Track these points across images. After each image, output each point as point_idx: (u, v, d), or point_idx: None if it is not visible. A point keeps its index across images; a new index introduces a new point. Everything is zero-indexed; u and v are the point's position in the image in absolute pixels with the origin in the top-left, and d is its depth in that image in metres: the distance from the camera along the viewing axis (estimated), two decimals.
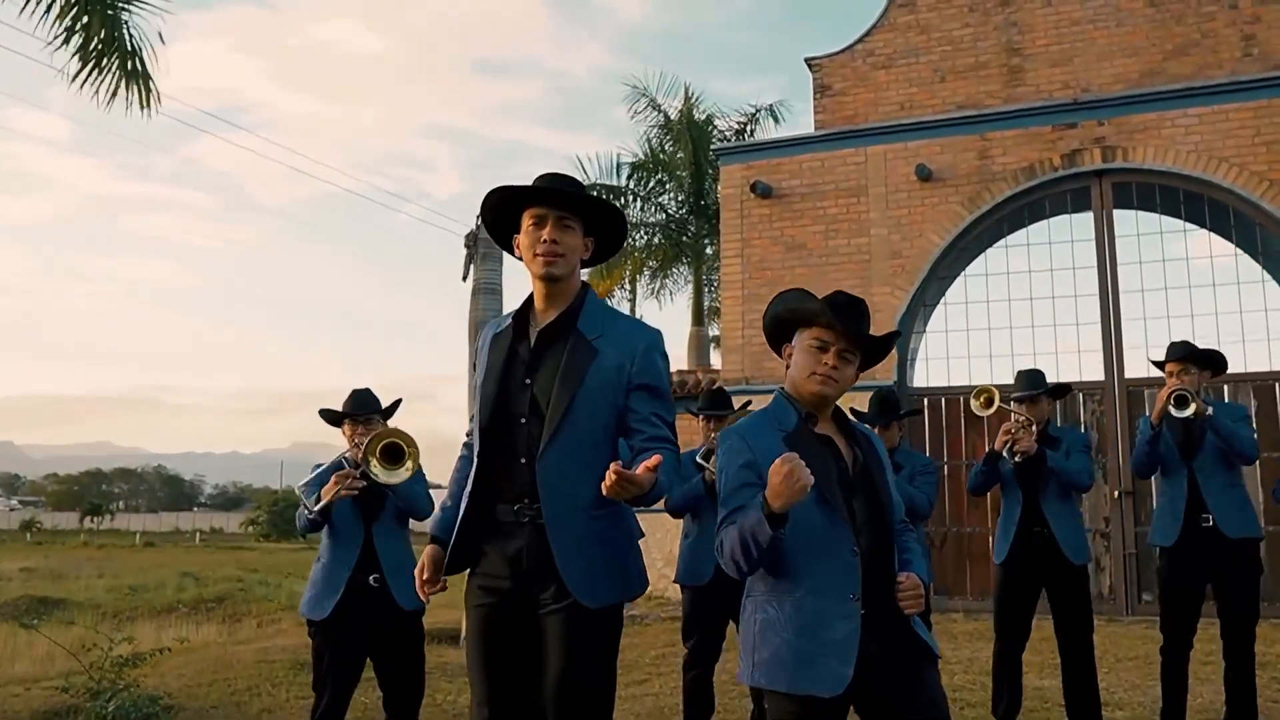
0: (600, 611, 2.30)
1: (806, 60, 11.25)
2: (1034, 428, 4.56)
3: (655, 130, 16.82)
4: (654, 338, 2.46)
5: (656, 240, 16.83)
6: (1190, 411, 4.22)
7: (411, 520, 4.13)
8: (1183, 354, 4.44)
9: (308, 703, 5.58)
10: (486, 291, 9.17)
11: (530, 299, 2.50)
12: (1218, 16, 9.86)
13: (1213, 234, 9.92)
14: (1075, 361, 9.42)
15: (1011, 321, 9.90)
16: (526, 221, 2.42)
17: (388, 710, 4.06)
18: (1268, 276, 9.83)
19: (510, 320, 2.50)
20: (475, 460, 2.41)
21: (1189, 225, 9.94)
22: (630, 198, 16.92)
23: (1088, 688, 4.39)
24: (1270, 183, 9.04)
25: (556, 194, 2.39)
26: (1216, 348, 4.65)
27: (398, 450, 3.72)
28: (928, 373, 10.37)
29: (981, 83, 10.44)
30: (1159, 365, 4.59)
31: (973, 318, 10.09)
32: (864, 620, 2.22)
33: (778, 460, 2.10)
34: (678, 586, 4.74)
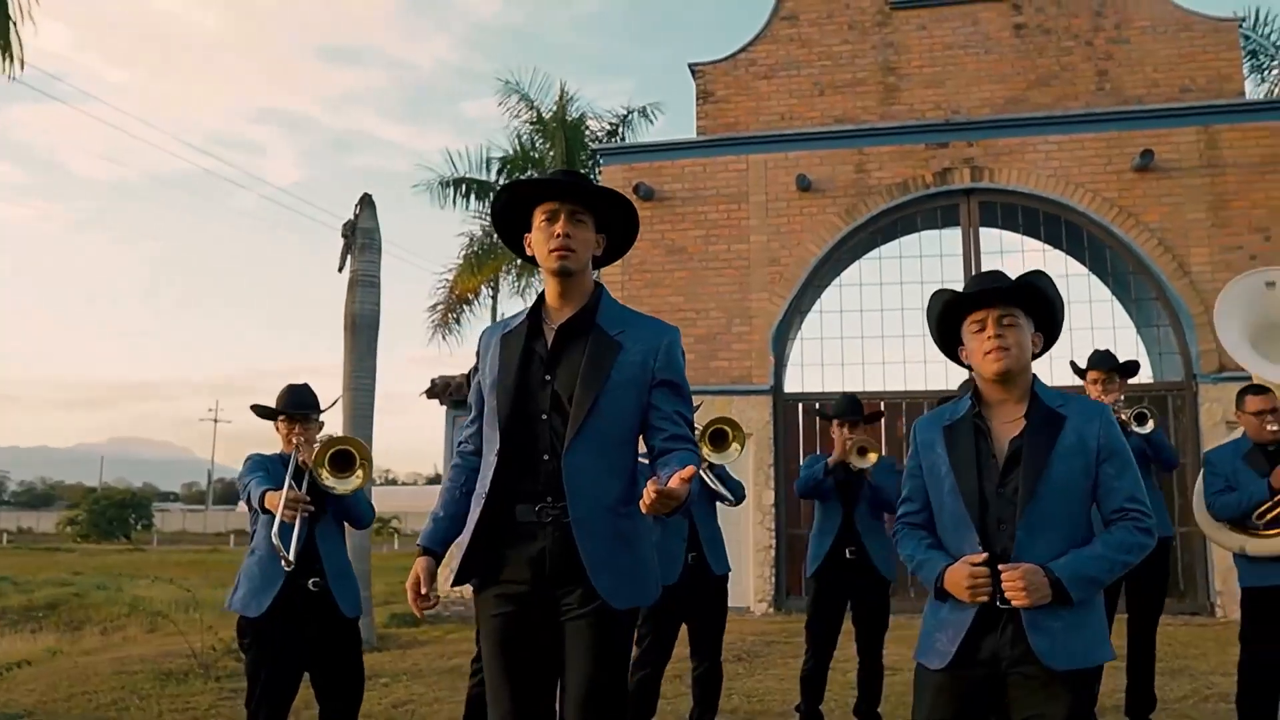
0: (623, 614, 2.23)
1: (690, 66, 11.34)
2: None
3: (527, 126, 16.64)
4: (675, 334, 2.40)
5: None
6: (1149, 427, 4.46)
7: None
8: (1110, 364, 4.65)
9: (185, 716, 5.23)
10: (365, 284, 8.79)
11: (541, 297, 2.44)
12: (1075, 52, 10.49)
13: (1069, 256, 10.56)
14: (942, 372, 9.77)
15: (883, 330, 10.28)
16: (539, 218, 2.35)
17: None
18: (1114, 297, 10.51)
19: (524, 318, 2.40)
20: (494, 461, 2.28)
21: (1047, 246, 10.53)
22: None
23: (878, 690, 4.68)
24: (1120, 209, 9.67)
25: (569, 187, 2.34)
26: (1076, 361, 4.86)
27: (348, 458, 3.62)
28: (802, 378, 10.63)
29: (859, 99, 10.77)
30: (1080, 374, 4.79)
31: (846, 326, 10.40)
32: (986, 614, 2.24)
33: (965, 570, 2.24)
34: None
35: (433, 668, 6.82)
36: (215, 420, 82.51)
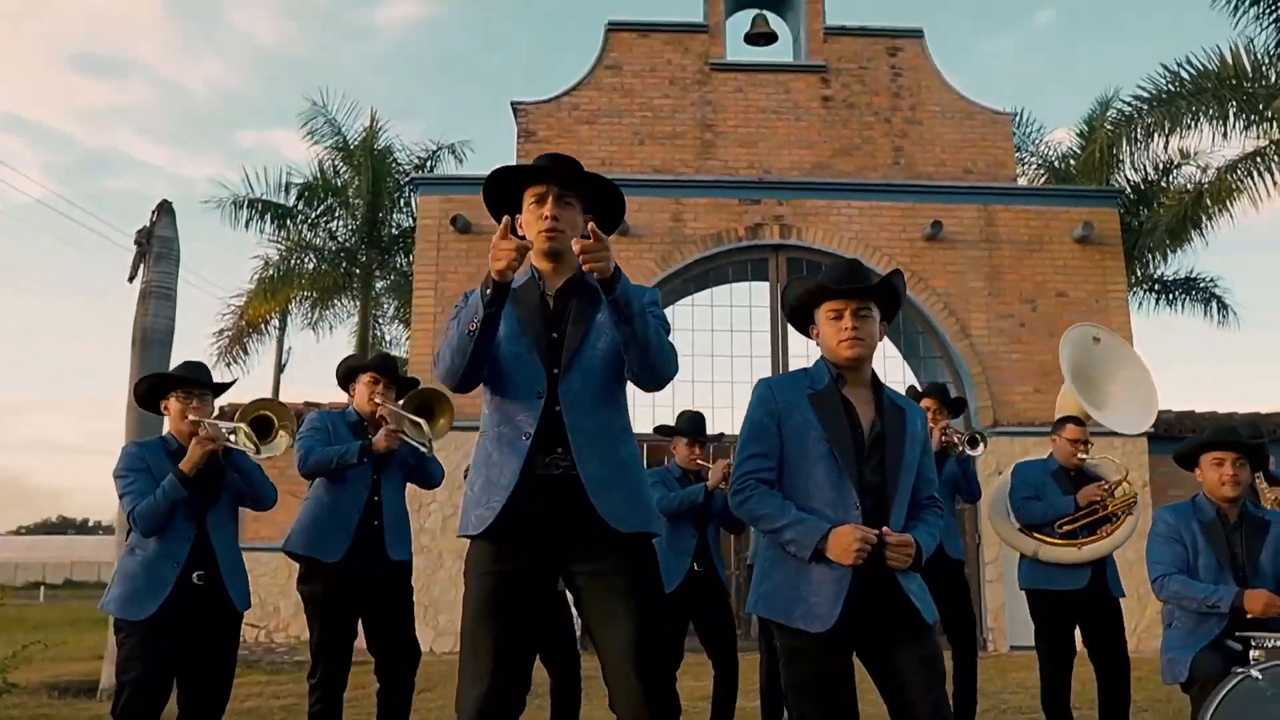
0: (642, 559, 2.33)
1: (513, 104, 11.39)
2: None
3: (331, 152, 16.12)
4: (656, 294, 2.55)
5: (324, 268, 16.02)
6: (979, 451, 4.88)
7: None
8: (944, 397, 5.04)
9: None
10: (159, 296, 8.16)
11: (533, 272, 2.53)
12: (875, 127, 11.31)
13: None
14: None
15: (693, 376, 10.54)
16: (528, 200, 2.47)
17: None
18: (902, 354, 11.28)
19: (522, 283, 2.49)
20: (517, 423, 2.34)
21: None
22: (298, 220, 16.04)
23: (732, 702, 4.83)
24: (912, 273, 10.42)
25: (555, 171, 2.45)
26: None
27: (267, 423, 3.43)
28: None
29: (678, 151, 11.14)
30: (915, 399, 5.12)
31: None
32: (855, 576, 2.38)
33: (857, 534, 2.35)
34: None
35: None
36: None
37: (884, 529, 2.43)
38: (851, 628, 2.40)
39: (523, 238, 2.33)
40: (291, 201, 15.97)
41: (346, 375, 4.10)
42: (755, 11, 12.01)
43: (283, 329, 18.86)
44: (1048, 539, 4.53)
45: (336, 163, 16.42)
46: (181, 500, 3.40)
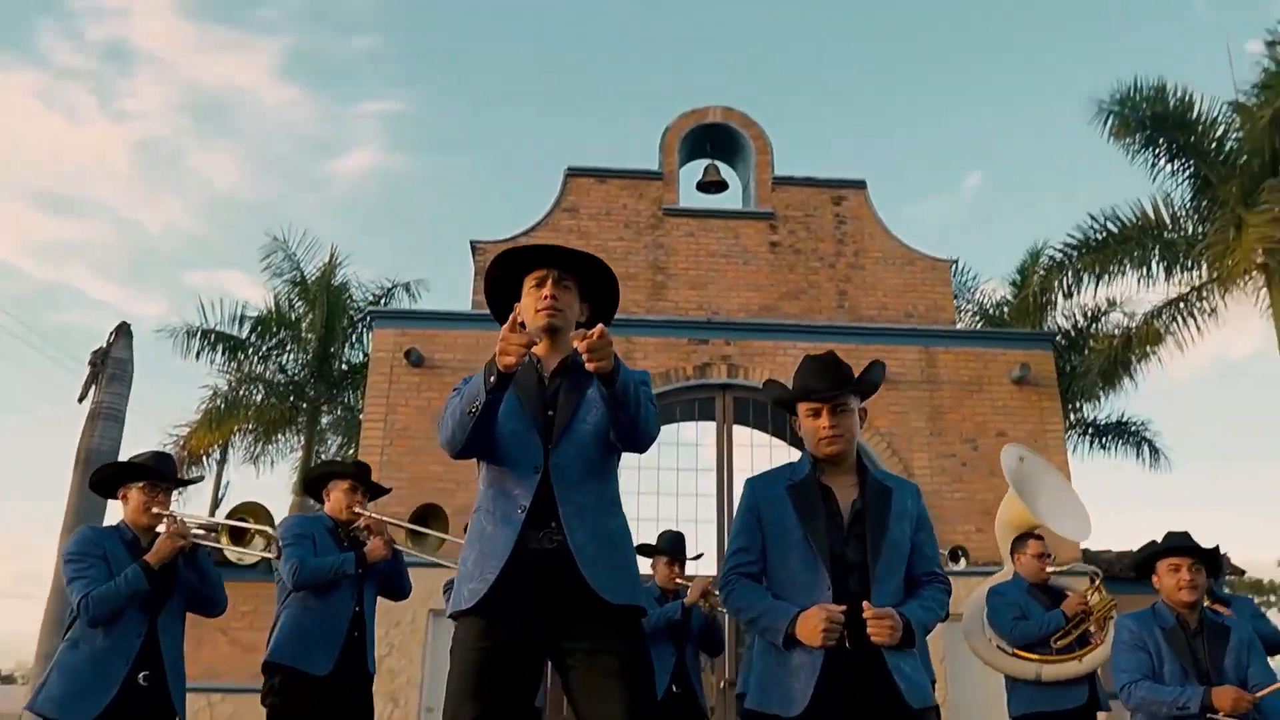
0: (632, 623, 2.38)
1: (472, 242, 11.68)
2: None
3: (288, 286, 16.27)
4: (646, 375, 2.65)
5: (271, 400, 15.93)
6: (961, 565, 4.97)
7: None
8: None
9: None
10: (108, 418, 8.17)
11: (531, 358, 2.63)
12: (820, 272, 11.75)
13: (793, 448, 11.42)
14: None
15: (639, 514, 10.54)
16: (528, 284, 2.62)
17: None
18: None
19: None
20: (514, 497, 2.41)
21: (793, 448, 11.35)
22: (249, 352, 16.03)
23: None
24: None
25: (555, 253, 2.64)
26: None
27: (242, 526, 3.47)
28: None
29: (630, 291, 11.43)
30: None
31: None
32: (836, 657, 2.37)
33: (822, 615, 2.35)
34: None
35: None
36: None
37: (864, 604, 2.41)
38: (828, 712, 2.37)
39: (524, 326, 2.41)
40: (244, 334, 15.99)
41: (319, 481, 4.12)
42: (707, 161, 12.59)
43: (222, 461, 18.59)
44: (1049, 658, 4.46)
45: (292, 297, 16.55)
46: (140, 593, 3.30)
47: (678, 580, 4.96)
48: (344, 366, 16.66)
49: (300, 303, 16.48)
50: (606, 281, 2.70)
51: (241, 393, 15.64)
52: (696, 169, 12.62)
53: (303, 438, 16.81)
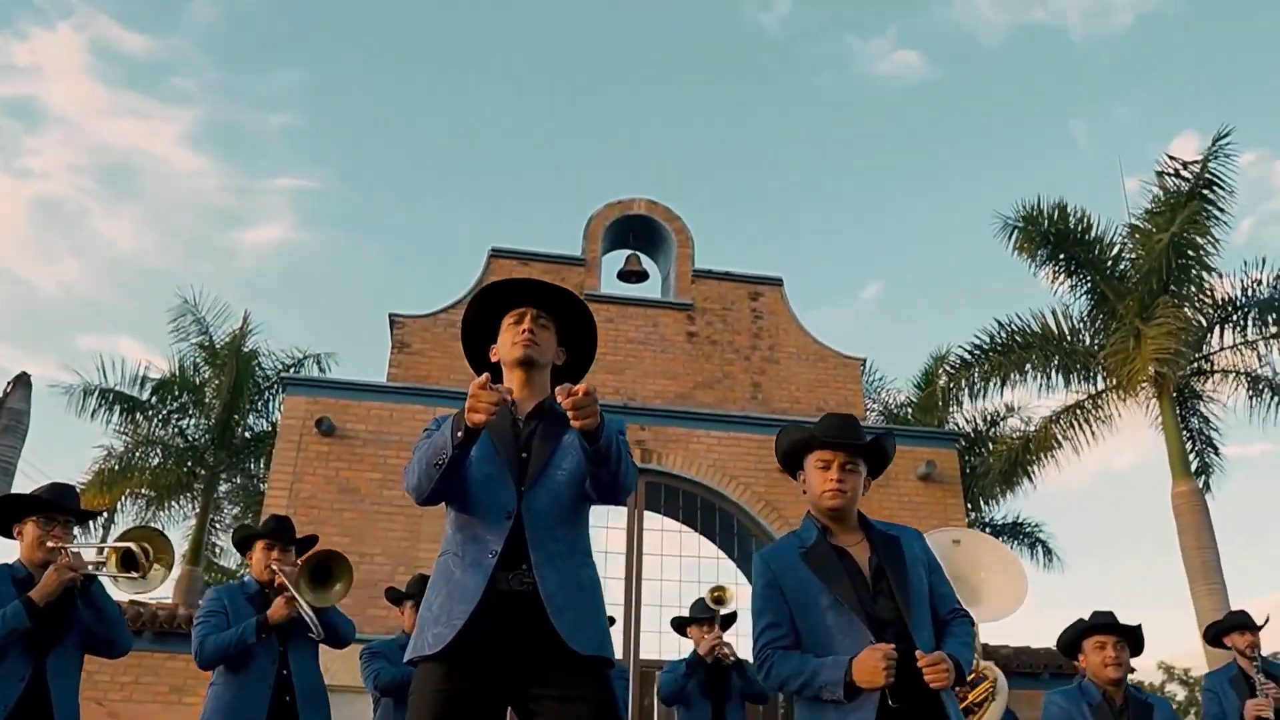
0: (601, 674, 2.33)
1: (390, 316, 11.63)
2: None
3: (195, 350, 15.88)
4: (623, 424, 2.57)
5: (169, 464, 15.40)
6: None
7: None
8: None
9: None
10: None
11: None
12: (735, 363, 11.98)
13: (720, 549, 11.47)
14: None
15: None
16: (507, 322, 2.58)
17: None
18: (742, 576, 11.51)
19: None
20: (485, 542, 2.35)
21: (702, 537, 11.41)
22: (148, 414, 15.52)
23: None
24: (766, 502, 10.80)
25: (535, 287, 2.61)
26: None
27: (135, 556, 3.28)
28: None
29: None
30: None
31: None
32: (891, 710, 2.36)
33: (876, 654, 2.35)
34: None
35: None
36: None
37: (918, 653, 2.41)
38: None
39: (499, 384, 2.38)
40: (144, 395, 15.50)
41: (242, 544, 4.05)
42: (629, 251, 12.82)
43: (109, 526, 17.80)
44: None
45: (198, 361, 16.14)
46: (20, 630, 3.05)
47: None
48: (247, 435, 16.24)
49: (206, 368, 16.08)
50: (585, 328, 2.68)
51: (137, 455, 15.08)
52: (618, 258, 12.86)
53: (198, 505, 16.23)
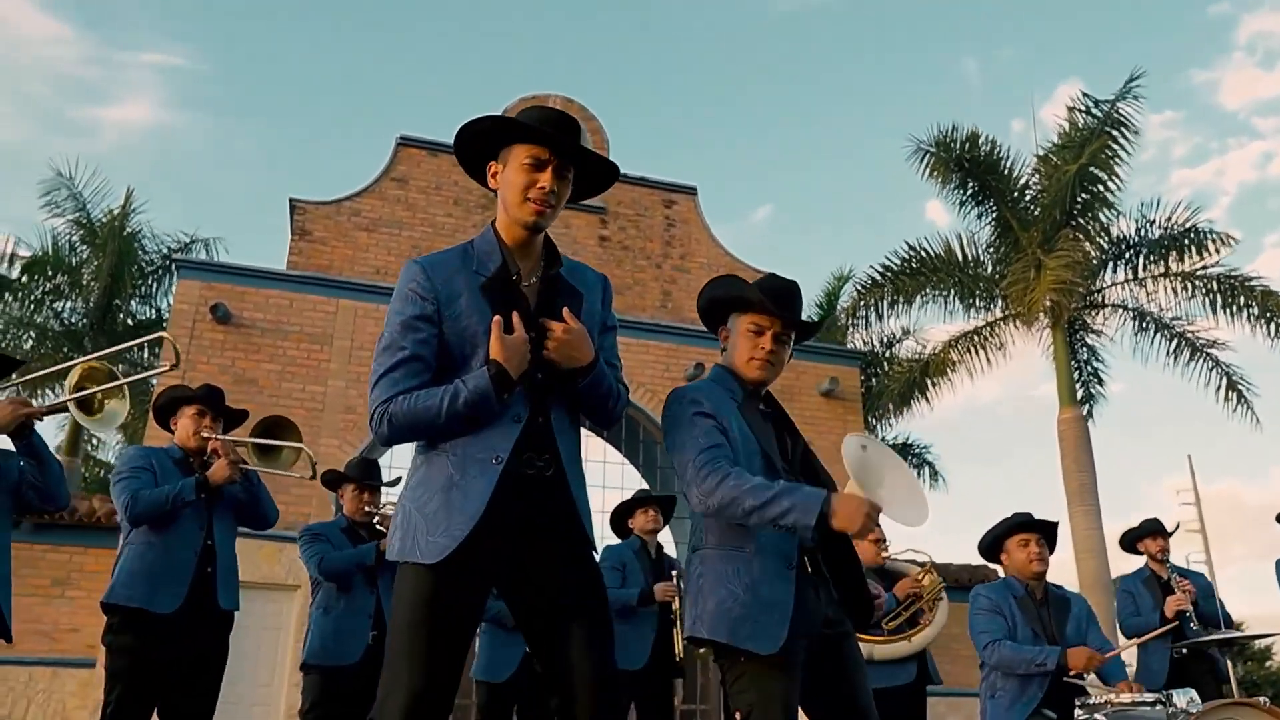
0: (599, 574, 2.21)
1: (291, 201, 11.10)
2: None
3: (71, 227, 14.92)
4: (605, 277, 2.40)
5: (43, 350, 14.56)
6: None
7: None
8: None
9: None
10: None
11: (495, 244, 2.23)
12: (646, 270, 11.88)
13: (607, 445, 11.50)
14: None
15: None
16: (521, 157, 2.15)
17: None
18: (639, 467, 11.67)
19: (496, 266, 2.19)
20: (489, 438, 2.08)
21: (603, 439, 11.41)
22: (19, 295, 14.60)
23: None
24: None
25: (566, 142, 2.16)
26: None
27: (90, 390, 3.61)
28: None
29: None
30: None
31: None
32: (801, 580, 2.32)
33: (864, 501, 2.22)
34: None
35: None
36: None
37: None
38: (802, 648, 2.32)
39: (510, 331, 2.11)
40: (13, 272, 14.55)
41: (167, 407, 3.88)
42: None
43: None
44: (879, 638, 4.62)
45: (74, 240, 15.19)
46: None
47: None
48: (130, 321, 15.43)
49: (84, 247, 15.15)
50: (606, 175, 2.31)
51: (8, 337, 14.21)
52: None
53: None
